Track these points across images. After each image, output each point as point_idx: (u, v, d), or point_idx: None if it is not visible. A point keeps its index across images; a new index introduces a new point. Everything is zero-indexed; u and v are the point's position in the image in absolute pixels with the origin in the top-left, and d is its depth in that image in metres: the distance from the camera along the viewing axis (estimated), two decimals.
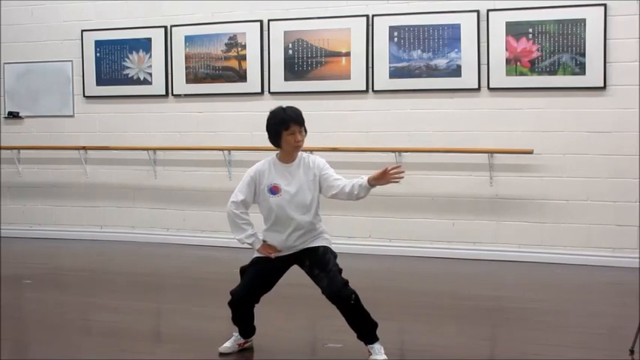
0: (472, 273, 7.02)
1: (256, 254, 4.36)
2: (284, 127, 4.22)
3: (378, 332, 4.28)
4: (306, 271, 4.33)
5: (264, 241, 4.33)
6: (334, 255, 4.33)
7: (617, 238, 7.16)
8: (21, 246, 8.55)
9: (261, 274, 4.32)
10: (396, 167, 4.14)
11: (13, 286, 6.38)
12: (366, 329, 4.23)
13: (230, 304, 4.37)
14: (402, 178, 4.13)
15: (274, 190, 4.25)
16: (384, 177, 4.10)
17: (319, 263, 4.25)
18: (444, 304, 5.78)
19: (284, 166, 4.30)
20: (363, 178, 4.18)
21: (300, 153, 4.33)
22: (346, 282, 4.19)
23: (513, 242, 7.46)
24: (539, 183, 7.38)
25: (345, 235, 7.86)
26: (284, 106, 4.34)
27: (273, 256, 4.30)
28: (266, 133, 8.83)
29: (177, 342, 4.82)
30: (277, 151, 4.38)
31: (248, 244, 4.32)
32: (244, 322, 4.46)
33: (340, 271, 4.25)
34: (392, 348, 4.33)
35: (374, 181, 4.13)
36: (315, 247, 4.30)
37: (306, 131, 4.32)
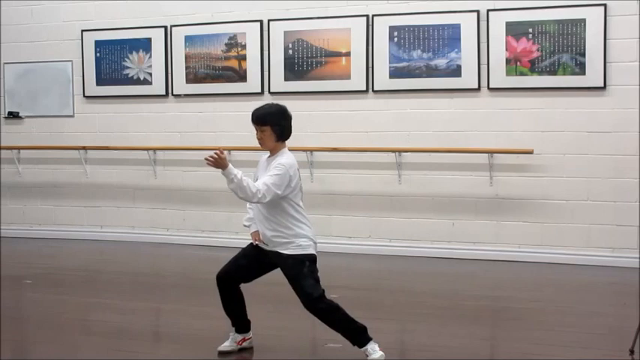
0: (472, 273, 7.02)
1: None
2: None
3: (378, 332, 4.29)
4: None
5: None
6: (309, 260, 4.26)
7: (617, 238, 7.16)
8: (21, 246, 8.55)
9: (243, 253, 4.48)
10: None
11: (13, 286, 6.38)
12: (353, 336, 4.25)
13: (216, 281, 4.46)
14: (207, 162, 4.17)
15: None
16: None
17: (291, 277, 4.26)
18: (444, 304, 5.78)
19: (267, 159, 4.41)
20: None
21: (284, 150, 4.33)
22: (318, 296, 4.17)
23: (513, 242, 7.46)
24: (539, 183, 7.37)
25: (345, 235, 7.87)
26: (267, 104, 4.42)
27: (255, 242, 4.41)
28: None
29: (177, 342, 4.83)
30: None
31: (245, 226, 4.53)
32: (233, 309, 4.48)
33: (317, 280, 4.23)
34: (392, 348, 4.33)
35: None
36: (286, 257, 4.26)
37: (278, 131, 4.27)
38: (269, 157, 4.38)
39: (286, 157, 4.29)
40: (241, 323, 4.52)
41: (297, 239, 4.26)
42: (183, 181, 8.53)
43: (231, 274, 4.43)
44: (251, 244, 4.46)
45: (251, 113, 4.34)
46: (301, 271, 4.21)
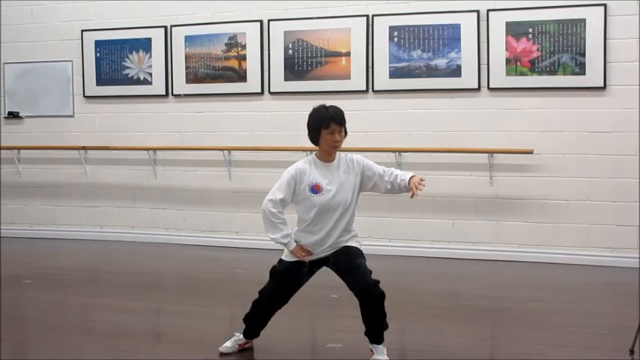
0: (472, 273, 7.02)
1: (286, 256, 4.34)
2: (324, 125, 4.19)
3: None
4: (334, 269, 4.31)
5: (296, 242, 4.31)
6: (364, 257, 4.31)
7: (617, 238, 7.15)
8: (21, 246, 8.54)
9: (291, 281, 4.33)
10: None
11: (13, 286, 6.38)
12: (377, 329, 4.24)
13: (255, 302, 4.38)
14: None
15: (316, 189, 4.22)
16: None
17: (350, 259, 4.23)
18: (444, 304, 5.78)
19: (324, 165, 4.28)
20: (405, 180, 4.18)
21: (339, 153, 4.31)
22: (376, 282, 4.16)
23: (513, 242, 7.46)
24: (539, 183, 7.37)
25: None
26: (327, 104, 4.30)
27: (306, 259, 4.28)
28: (266, 133, 8.85)
29: (177, 342, 4.82)
30: (315, 151, 4.34)
31: (283, 244, 4.28)
32: (257, 324, 4.46)
33: (370, 272, 4.23)
34: (392, 348, 4.33)
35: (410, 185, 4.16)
36: (347, 245, 4.29)
37: (346, 132, 4.28)
38: (327, 161, 4.26)
39: (357, 154, 4.35)
40: (255, 333, 4.51)
41: (356, 237, 4.36)
42: (184, 181, 8.53)
43: (275, 305, 4.38)
44: (291, 263, 4.31)
45: (334, 113, 4.19)
46: (363, 259, 4.26)
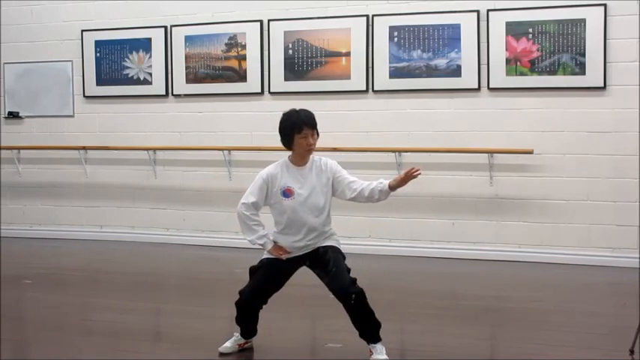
0: (472, 273, 7.02)
1: (266, 255, 4.38)
2: (297, 129, 4.21)
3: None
4: (312, 269, 4.34)
5: (274, 242, 4.34)
6: (343, 255, 4.34)
7: (617, 238, 7.16)
8: (21, 246, 8.54)
9: (270, 277, 4.35)
10: (415, 170, 4.15)
11: (13, 286, 6.38)
12: (368, 328, 4.24)
13: (237, 303, 4.40)
14: (420, 174, 4.16)
15: (287, 193, 4.26)
16: (404, 180, 4.16)
17: (325, 260, 4.25)
18: (444, 304, 5.78)
19: (297, 169, 4.30)
20: (383, 183, 4.24)
21: (312, 156, 4.33)
22: (353, 280, 4.19)
23: (513, 242, 7.46)
24: (539, 183, 7.38)
25: (345, 235, 7.79)
26: (297, 108, 4.31)
27: (284, 257, 4.32)
28: (266, 133, 8.87)
29: (177, 342, 4.83)
30: (289, 154, 4.36)
31: (259, 244, 4.34)
32: (248, 323, 4.47)
33: (348, 270, 4.26)
34: (392, 348, 4.33)
35: (396, 185, 4.19)
36: (323, 245, 4.32)
37: (318, 134, 4.30)
38: (300, 165, 4.29)
39: (327, 158, 4.38)
40: (250, 331, 4.51)
41: (333, 235, 4.39)
42: (184, 181, 8.53)
43: (256, 302, 4.39)
44: (269, 260, 4.35)
45: (305, 117, 4.20)
46: (341, 256, 4.29)
